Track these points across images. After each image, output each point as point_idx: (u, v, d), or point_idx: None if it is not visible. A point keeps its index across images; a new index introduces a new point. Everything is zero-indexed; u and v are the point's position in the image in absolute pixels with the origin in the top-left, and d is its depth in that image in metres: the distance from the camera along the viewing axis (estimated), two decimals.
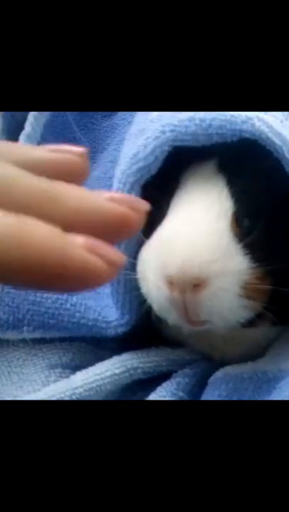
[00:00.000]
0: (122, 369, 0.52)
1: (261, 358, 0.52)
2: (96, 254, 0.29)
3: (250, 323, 0.49)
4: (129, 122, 0.65)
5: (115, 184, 0.50)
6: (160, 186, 0.49)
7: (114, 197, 0.32)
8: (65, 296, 0.56)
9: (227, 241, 0.47)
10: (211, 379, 0.52)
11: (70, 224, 0.30)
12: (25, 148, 0.36)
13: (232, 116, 0.46)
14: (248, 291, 0.47)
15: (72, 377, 0.52)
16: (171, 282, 0.45)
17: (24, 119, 0.61)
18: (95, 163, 0.66)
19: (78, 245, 0.29)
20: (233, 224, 0.48)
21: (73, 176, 0.34)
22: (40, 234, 0.28)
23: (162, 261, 0.46)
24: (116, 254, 0.30)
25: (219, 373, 0.52)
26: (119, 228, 0.32)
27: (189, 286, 0.45)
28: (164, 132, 0.47)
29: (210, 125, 0.46)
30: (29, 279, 0.28)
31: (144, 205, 0.32)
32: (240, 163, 0.49)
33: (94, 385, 0.51)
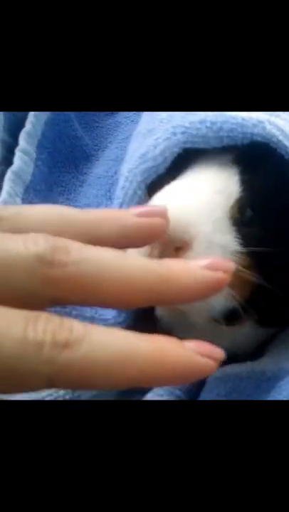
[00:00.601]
0: None
1: (260, 358, 0.52)
2: (205, 355, 0.36)
3: (229, 320, 0.48)
4: (132, 121, 0.66)
5: (121, 182, 0.50)
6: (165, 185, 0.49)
7: (212, 264, 0.38)
8: None
9: (221, 215, 0.46)
10: (210, 378, 0.52)
11: (181, 299, 0.38)
12: (118, 215, 0.41)
13: (243, 119, 0.46)
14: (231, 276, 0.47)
15: None
16: None
17: (25, 117, 0.61)
18: (97, 160, 0.66)
19: (193, 352, 0.36)
20: (235, 208, 0.47)
21: (157, 236, 0.41)
22: (173, 352, 0.35)
23: None
24: (218, 351, 0.37)
25: (217, 372, 0.50)
26: (215, 291, 0.38)
27: (170, 248, 0.44)
28: (174, 134, 0.47)
29: (221, 128, 0.46)
30: (158, 383, 0.38)
31: (231, 265, 0.39)
32: (252, 163, 0.49)
33: None
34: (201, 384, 0.52)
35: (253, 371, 0.51)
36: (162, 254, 0.44)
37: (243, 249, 0.47)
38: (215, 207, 0.46)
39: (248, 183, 0.48)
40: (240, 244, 0.47)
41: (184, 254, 0.44)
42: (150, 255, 0.44)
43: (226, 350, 0.51)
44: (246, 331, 0.52)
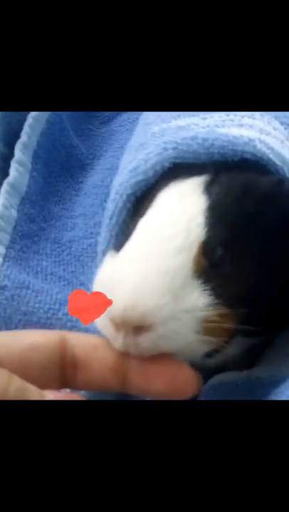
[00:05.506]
0: None
1: (255, 366, 0.54)
2: None
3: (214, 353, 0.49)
4: (127, 129, 0.68)
5: (112, 195, 0.52)
6: (153, 198, 0.50)
7: None
8: (57, 306, 0.58)
9: (181, 280, 0.45)
10: (205, 386, 0.53)
11: None
12: None
13: (234, 137, 0.48)
14: (208, 328, 0.46)
15: None
16: (115, 323, 0.45)
17: (21, 128, 0.63)
18: (92, 169, 0.68)
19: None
20: (199, 256, 0.46)
21: None
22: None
23: None
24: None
25: (213, 380, 0.53)
26: None
27: (131, 329, 0.44)
28: (166, 149, 0.49)
29: (212, 145, 0.48)
30: None
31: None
32: (233, 181, 0.49)
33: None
34: None
35: (248, 378, 0.52)
36: (125, 337, 0.45)
37: (215, 300, 0.46)
38: (174, 274, 0.45)
39: (217, 217, 0.47)
40: (214, 293, 0.46)
41: (145, 334, 0.44)
42: (116, 340, 0.45)
43: (216, 364, 0.53)
44: (233, 347, 0.51)
